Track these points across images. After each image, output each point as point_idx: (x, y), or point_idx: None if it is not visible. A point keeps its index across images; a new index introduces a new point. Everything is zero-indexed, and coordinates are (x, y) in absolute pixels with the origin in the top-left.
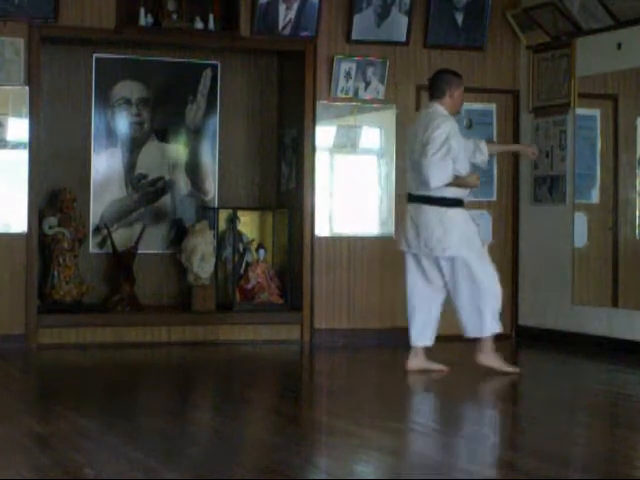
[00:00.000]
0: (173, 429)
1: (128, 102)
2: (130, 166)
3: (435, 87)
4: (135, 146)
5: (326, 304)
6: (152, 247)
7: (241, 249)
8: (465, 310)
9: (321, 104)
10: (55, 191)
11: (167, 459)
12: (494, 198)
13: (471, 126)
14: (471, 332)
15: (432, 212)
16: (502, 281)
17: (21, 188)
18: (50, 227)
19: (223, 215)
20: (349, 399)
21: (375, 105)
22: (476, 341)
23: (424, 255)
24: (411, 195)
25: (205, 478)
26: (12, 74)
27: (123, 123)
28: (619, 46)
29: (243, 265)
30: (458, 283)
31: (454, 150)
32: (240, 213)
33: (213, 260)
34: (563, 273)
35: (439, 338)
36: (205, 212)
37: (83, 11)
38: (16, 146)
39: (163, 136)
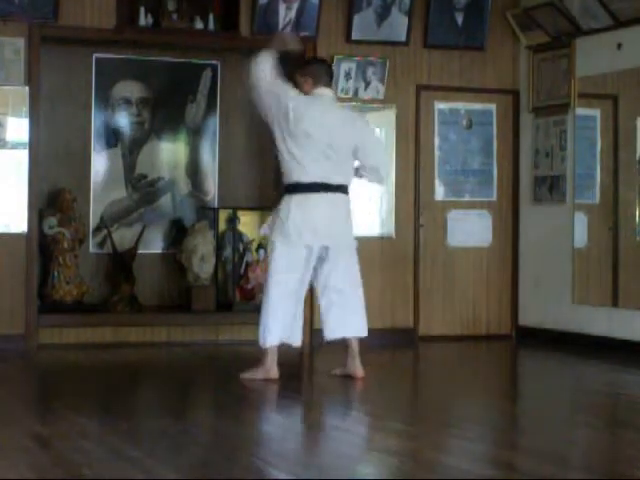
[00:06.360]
0: (173, 429)
1: (128, 102)
2: (130, 166)
3: (331, 74)
4: (135, 146)
5: None
6: (152, 247)
7: (241, 249)
8: None
9: None
10: (55, 191)
11: (167, 459)
12: (494, 198)
13: (471, 126)
14: None
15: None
16: (502, 281)
17: (21, 188)
18: (50, 227)
19: (223, 215)
20: (349, 399)
21: (375, 105)
22: None
23: None
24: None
25: (205, 478)
26: (12, 74)
27: (123, 123)
28: (619, 46)
29: (243, 265)
30: None
31: None
32: (240, 213)
33: (213, 260)
34: (563, 273)
35: (439, 338)
36: (205, 212)
37: (83, 11)
38: (16, 146)
39: (163, 136)
